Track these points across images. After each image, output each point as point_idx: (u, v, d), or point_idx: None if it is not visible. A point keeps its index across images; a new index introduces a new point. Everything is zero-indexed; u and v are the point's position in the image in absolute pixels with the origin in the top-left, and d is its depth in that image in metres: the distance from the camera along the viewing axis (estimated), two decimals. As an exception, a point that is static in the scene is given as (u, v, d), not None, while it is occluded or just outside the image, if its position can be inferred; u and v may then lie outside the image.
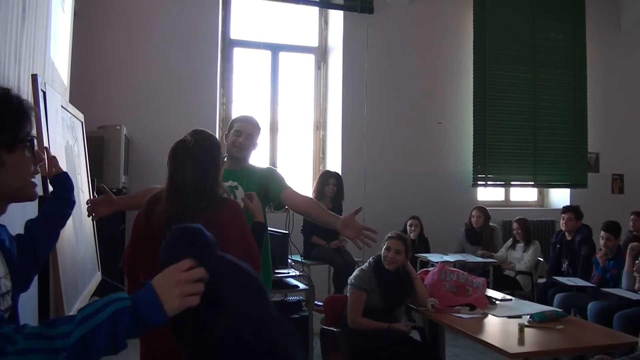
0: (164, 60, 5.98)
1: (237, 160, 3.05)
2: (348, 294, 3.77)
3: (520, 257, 5.93)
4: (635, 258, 4.62)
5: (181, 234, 1.25)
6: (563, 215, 5.64)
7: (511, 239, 6.19)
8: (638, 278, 4.23)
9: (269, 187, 3.00)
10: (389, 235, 3.81)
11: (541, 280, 5.83)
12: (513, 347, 2.92)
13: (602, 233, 5.06)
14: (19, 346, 1.01)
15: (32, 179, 1.38)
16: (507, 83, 7.22)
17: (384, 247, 3.77)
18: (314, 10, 6.95)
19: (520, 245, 6.01)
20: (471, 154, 7.02)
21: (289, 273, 4.32)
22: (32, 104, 2.05)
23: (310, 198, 3.14)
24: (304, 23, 7.02)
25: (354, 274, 3.80)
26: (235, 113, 6.58)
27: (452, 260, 5.58)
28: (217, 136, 3.15)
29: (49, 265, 2.17)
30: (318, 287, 5.43)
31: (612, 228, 5.08)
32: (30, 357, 1.00)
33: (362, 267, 3.84)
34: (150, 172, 5.45)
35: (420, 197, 6.71)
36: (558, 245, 5.69)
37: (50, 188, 2.07)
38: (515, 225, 6.07)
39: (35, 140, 1.43)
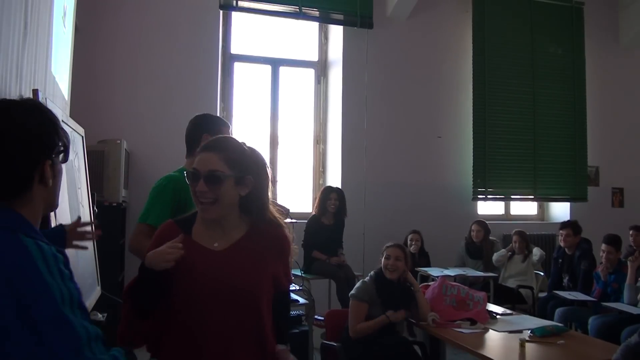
0: (164, 74, 6.00)
1: None
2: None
3: (521, 270, 5.93)
4: (638, 269, 4.62)
5: None
6: (561, 231, 5.62)
7: (506, 249, 6.20)
8: None
9: None
10: (387, 244, 3.86)
11: (542, 295, 5.82)
12: (514, 362, 2.91)
13: (603, 246, 5.04)
14: None
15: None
16: (506, 97, 7.25)
17: (384, 256, 3.80)
18: (314, 25, 6.99)
19: (519, 257, 6.02)
20: (471, 167, 7.03)
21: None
22: None
23: None
24: (304, 38, 7.06)
25: (356, 286, 3.81)
26: (235, 127, 6.60)
27: (452, 274, 5.56)
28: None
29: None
30: (318, 302, 5.40)
31: (613, 241, 5.06)
32: None
33: (364, 279, 3.84)
34: (150, 186, 5.44)
35: (420, 211, 6.70)
36: (560, 260, 5.68)
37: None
38: (514, 237, 6.09)
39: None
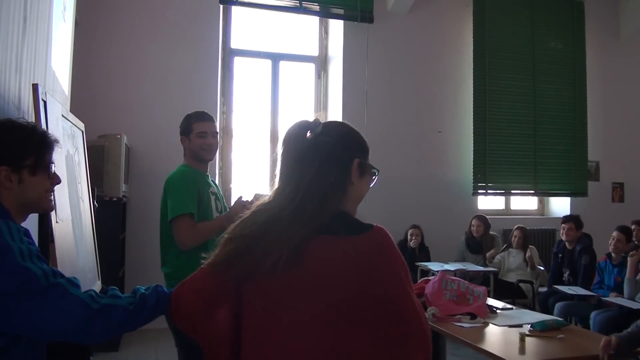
0: (164, 69, 6.00)
1: (206, 163, 2.99)
2: None
3: (521, 264, 5.95)
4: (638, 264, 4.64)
5: None
6: (563, 225, 5.63)
7: (506, 245, 6.22)
8: None
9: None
10: None
11: (542, 289, 5.83)
12: (514, 356, 2.91)
13: (615, 233, 5.07)
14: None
15: (48, 195, 1.72)
16: (506, 92, 7.24)
17: None
18: (314, 19, 6.98)
19: (514, 251, 6.03)
20: (471, 162, 7.03)
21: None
22: (35, 112, 2.14)
23: None
24: (304, 32, 7.06)
25: None
26: (235, 122, 6.60)
27: (452, 269, 5.57)
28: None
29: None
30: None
31: (626, 230, 5.14)
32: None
33: None
34: (150, 180, 5.46)
35: (420, 206, 6.70)
36: (560, 255, 5.68)
37: None
38: (515, 232, 6.09)
39: (53, 165, 1.73)
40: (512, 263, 6.03)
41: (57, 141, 1.74)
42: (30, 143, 1.64)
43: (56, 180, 1.75)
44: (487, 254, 6.15)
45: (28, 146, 1.64)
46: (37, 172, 1.64)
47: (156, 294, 1.62)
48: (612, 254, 5.07)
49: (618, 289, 4.87)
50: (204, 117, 2.96)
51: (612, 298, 4.71)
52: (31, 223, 2.34)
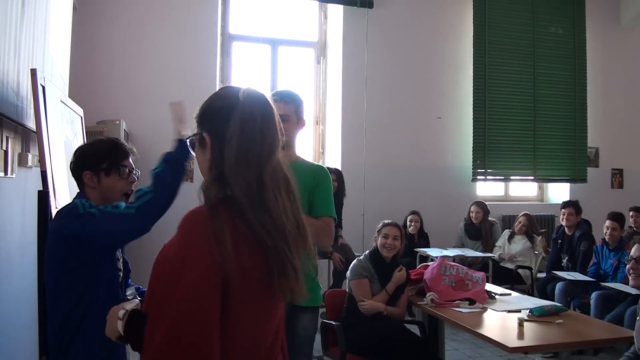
0: (163, 54, 5.96)
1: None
2: (347, 289, 3.78)
3: (521, 251, 5.98)
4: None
5: None
6: (563, 210, 5.65)
7: (507, 230, 6.25)
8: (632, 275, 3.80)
9: (313, 199, 2.55)
10: (384, 222, 3.87)
11: (541, 275, 5.86)
12: (512, 341, 2.92)
13: (608, 222, 5.09)
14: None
15: (122, 195, 2.18)
16: (506, 77, 7.21)
17: (381, 235, 3.82)
18: (314, 4, 6.93)
19: (517, 237, 6.06)
20: (471, 148, 7.02)
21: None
22: (33, 97, 2.18)
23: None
24: (303, 17, 7.01)
25: (350, 266, 3.82)
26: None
27: (451, 254, 5.59)
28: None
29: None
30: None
31: (617, 217, 5.15)
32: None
33: (359, 258, 3.86)
34: (149, 166, 5.44)
35: (419, 192, 6.70)
36: (559, 241, 5.70)
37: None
38: (520, 218, 6.12)
39: (131, 169, 2.23)
40: (514, 249, 6.05)
41: (131, 150, 2.27)
42: (104, 151, 2.13)
43: (131, 179, 2.22)
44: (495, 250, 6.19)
45: (102, 153, 2.12)
46: (110, 173, 2.12)
47: (165, 162, 2.22)
48: (608, 242, 5.09)
49: (615, 273, 4.90)
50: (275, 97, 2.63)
51: (611, 283, 4.74)
52: (31, 211, 2.35)
